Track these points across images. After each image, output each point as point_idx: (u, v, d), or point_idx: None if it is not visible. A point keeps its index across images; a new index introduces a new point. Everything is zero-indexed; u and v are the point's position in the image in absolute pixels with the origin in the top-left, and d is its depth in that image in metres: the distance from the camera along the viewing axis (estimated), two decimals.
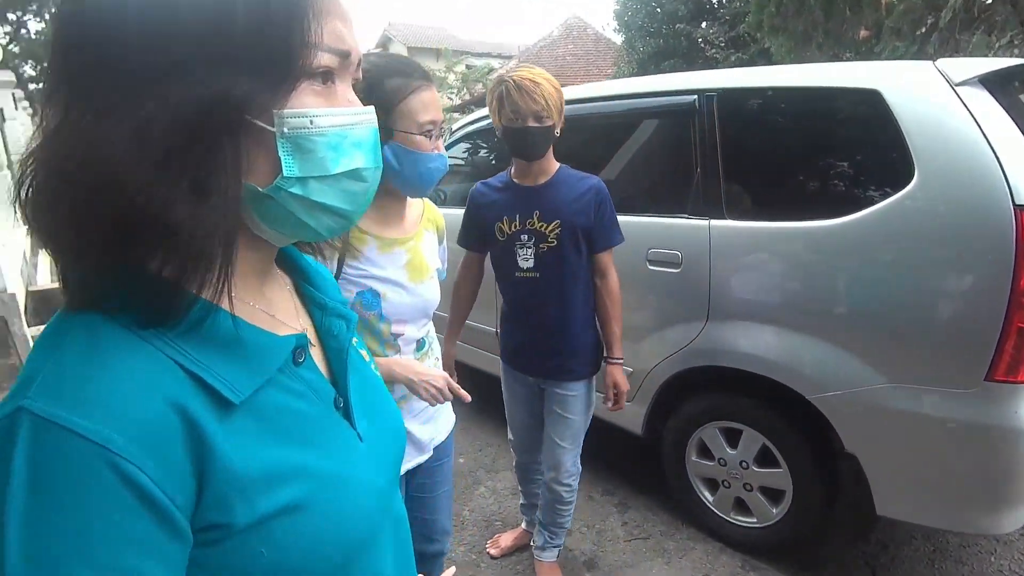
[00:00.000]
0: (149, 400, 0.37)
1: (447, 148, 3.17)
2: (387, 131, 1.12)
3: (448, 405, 1.40)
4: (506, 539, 2.24)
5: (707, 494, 2.22)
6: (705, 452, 2.17)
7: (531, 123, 1.59)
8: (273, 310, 0.50)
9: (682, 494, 2.28)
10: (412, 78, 1.13)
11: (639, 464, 2.65)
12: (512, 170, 1.79)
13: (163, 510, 0.37)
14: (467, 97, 13.09)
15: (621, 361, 1.85)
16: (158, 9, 0.38)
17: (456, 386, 1.22)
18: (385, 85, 1.10)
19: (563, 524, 2.00)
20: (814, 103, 1.87)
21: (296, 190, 0.43)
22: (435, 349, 1.37)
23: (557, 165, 1.76)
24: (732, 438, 2.08)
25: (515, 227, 1.72)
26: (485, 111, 2.09)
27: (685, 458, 2.22)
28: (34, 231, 0.40)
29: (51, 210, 0.39)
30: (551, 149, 1.70)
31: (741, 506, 2.13)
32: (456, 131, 3.21)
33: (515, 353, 1.91)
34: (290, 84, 0.42)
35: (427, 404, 1.30)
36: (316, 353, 0.54)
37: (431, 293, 1.28)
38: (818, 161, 1.87)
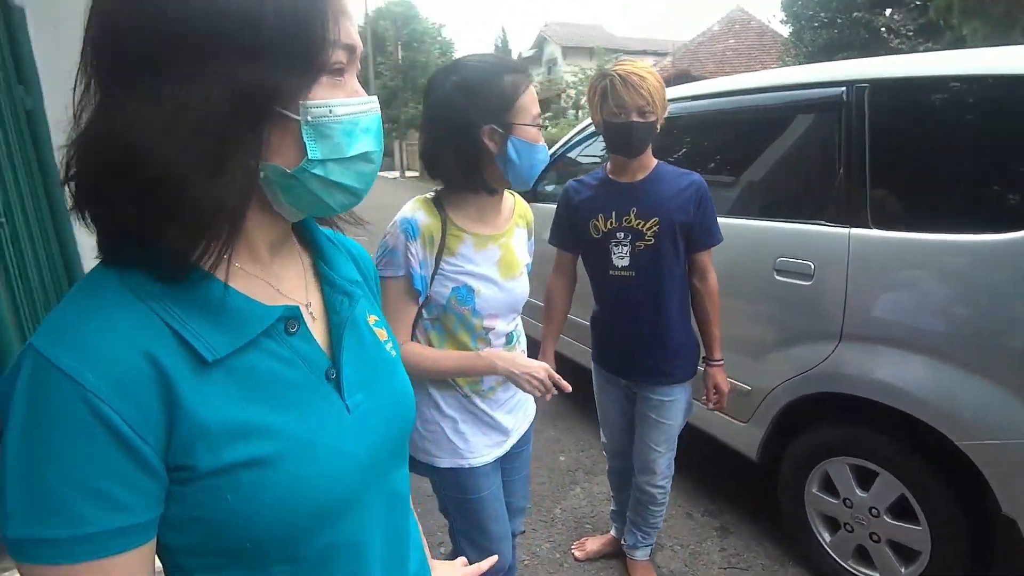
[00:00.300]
0: (126, 349, 0.42)
1: (576, 147, 3.19)
2: (507, 126, 1.15)
3: (530, 397, 1.41)
4: (593, 543, 2.18)
5: (824, 533, 1.97)
6: (829, 487, 1.92)
7: (635, 118, 1.55)
8: (278, 282, 0.54)
9: (795, 528, 2.05)
10: (523, 74, 1.17)
11: (749, 489, 2.46)
12: (608, 166, 1.74)
13: (132, 445, 0.42)
14: None
15: (721, 363, 1.77)
16: (196, 6, 0.42)
17: (557, 376, 1.22)
18: (503, 82, 1.14)
19: (656, 524, 1.95)
20: (991, 94, 1.56)
21: (318, 171, 0.48)
22: (522, 342, 1.39)
23: (655, 161, 1.69)
24: (864, 478, 1.82)
25: (610, 224, 1.66)
26: None
27: (804, 490, 1.98)
28: (78, 206, 0.46)
29: (92, 187, 0.44)
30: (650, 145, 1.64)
31: (863, 555, 1.86)
32: (586, 128, 3.18)
33: (607, 354, 1.86)
34: (313, 77, 0.47)
35: (512, 395, 1.32)
36: (319, 326, 0.57)
37: (521, 288, 1.31)
38: (993, 163, 1.56)
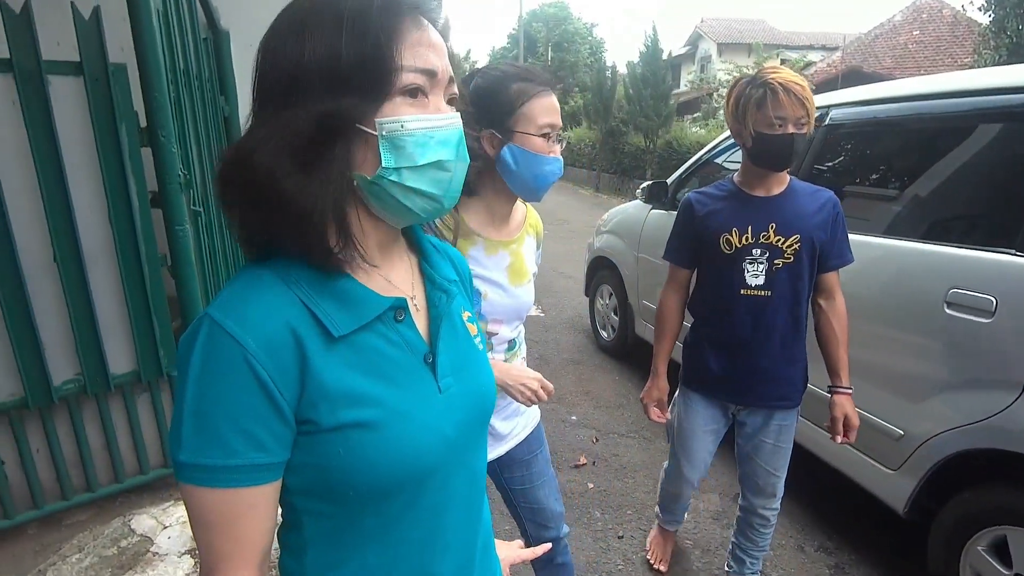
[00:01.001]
0: (275, 322, 0.53)
1: (728, 151, 3.04)
2: (508, 132, 1.16)
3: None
4: (658, 549, 2.17)
5: None
6: (1002, 553, 1.66)
7: (792, 129, 1.47)
8: (391, 277, 0.64)
9: None
10: (534, 83, 1.17)
11: (875, 531, 2.23)
12: (738, 178, 1.64)
13: (274, 398, 0.52)
14: None
15: (851, 391, 1.65)
16: (293, 51, 0.53)
17: (548, 384, 1.23)
18: (510, 90, 1.16)
19: (765, 548, 1.89)
20: None
21: (394, 177, 0.56)
22: (523, 350, 1.38)
23: (788, 176, 1.60)
24: None
25: (746, 240, 1.56)
26: None
27: (966, 545, 1.73)
28: (229, 214, 0.57)
29: (237, 199, 0.55)
30: None
31: None
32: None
33: (717, 379, 1.71)
34: (384, 98, 0.54)
35: (509, 401, 1.32)
36: (421, 317, 0.65)
37: (528, 296, 1.31)
38: None
